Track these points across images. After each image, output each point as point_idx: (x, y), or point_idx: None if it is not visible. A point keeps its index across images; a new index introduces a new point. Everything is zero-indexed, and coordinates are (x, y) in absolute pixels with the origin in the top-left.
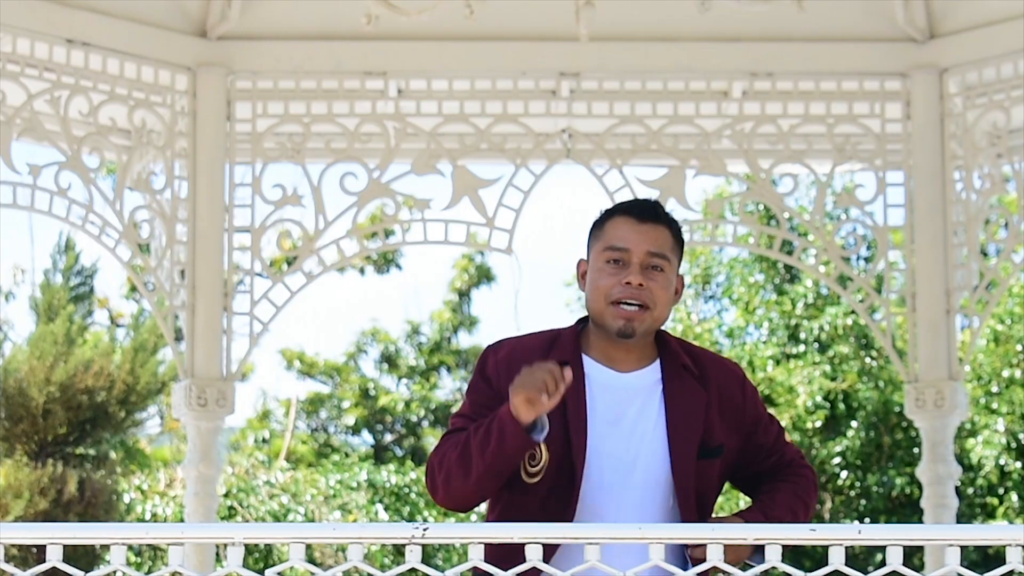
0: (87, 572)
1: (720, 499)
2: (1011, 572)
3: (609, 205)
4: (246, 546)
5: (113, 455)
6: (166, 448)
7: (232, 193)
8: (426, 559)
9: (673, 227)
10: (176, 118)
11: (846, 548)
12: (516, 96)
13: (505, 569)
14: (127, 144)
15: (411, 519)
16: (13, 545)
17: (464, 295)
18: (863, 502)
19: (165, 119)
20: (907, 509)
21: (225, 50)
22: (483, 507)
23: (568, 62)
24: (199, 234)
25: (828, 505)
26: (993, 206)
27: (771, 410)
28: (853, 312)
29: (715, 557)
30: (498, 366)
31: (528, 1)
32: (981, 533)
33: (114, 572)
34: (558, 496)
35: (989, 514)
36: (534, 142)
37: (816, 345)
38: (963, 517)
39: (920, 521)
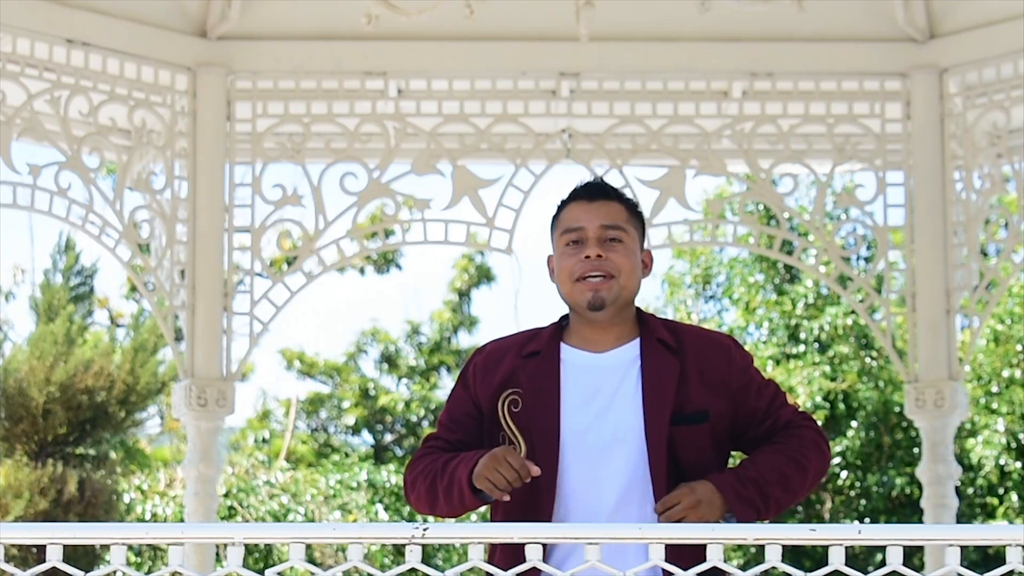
0: (87, 572)
1: None
2: (1011, 572)
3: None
4: (246, 546)
5: (113, 455)
6: (166, 448)
7: (232, 193)
8: (426, 559)
9: (625, 201)
10: (176, 118)
11: (846, 548)
12: (516, 96)
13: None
14: (127, 144)
15: (411, 519)
16: (13, 545)
17: (464, 295)
18: (863, 502)
19: (165, 119)
20: (907, 509)
21: (225, 50)
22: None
23: (568, 62)
24: (199, 234)
25: (828, 505)
26: (993, 206)
27: None
28: (853, 312)
29: (715, 557)
30: (475, 370)
31: (528, 1)
32: (981, 533)
33: (114, 572)
34: (542, 479)
35: (989, 514)
36: (534, 142)
37: (816, 345)
38: (963, 517)
39: (920, 521)
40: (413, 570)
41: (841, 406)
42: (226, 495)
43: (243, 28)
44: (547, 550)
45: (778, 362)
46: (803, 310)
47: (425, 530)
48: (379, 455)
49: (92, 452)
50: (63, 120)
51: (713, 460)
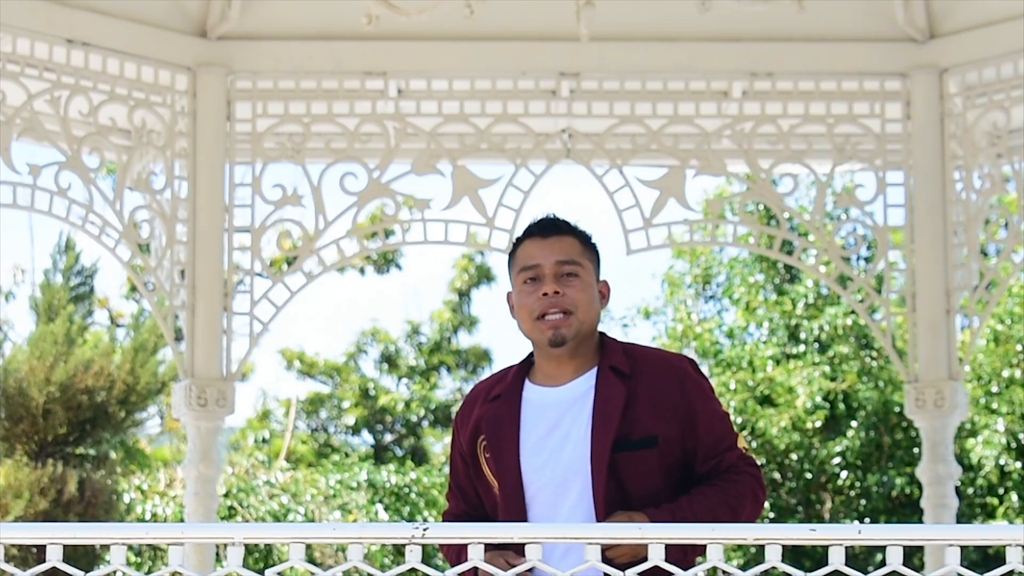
0: (87, 572)
1: None
2: (1011, 572)
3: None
4: (246, 546)
5: (113, 455)
6: (166, 448)
7: (232, 193)
8: (426, 559)
9: (579, 235)
10: (176, 118)
11: (846, 548)
12: (516, 96)
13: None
14: (127, 144)
15: (411, 519)
16: (13, 545)
17: (464, 295)
18: (863, 502)
19: (165, 119)
20: (907, 509)
21: (225, 50)
22: None
23: (568, 62)
24: (199, 234)
25: (828, 505)
26: (993, 206)
27: (771, 410)
28: (853, 312)
29: (715, 557)
30: (456, 424)
31: (528, 1)
32: (981, 533)
33: (114, 572)
34: (513, 516)
35: (989, 514)
36: (534, 142)
37: (816, 345)
38: (963, 517)
39: (920, 521)
40: (413, 570)
41: (841, 406)
42: (226, 495)
43: (243, 28)
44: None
45: (778, 362)
46: (803, 310)
47: (425, 530)
48: (379, 455)
49: (92, 452)
50: (63, 120)
51: (662, 488)
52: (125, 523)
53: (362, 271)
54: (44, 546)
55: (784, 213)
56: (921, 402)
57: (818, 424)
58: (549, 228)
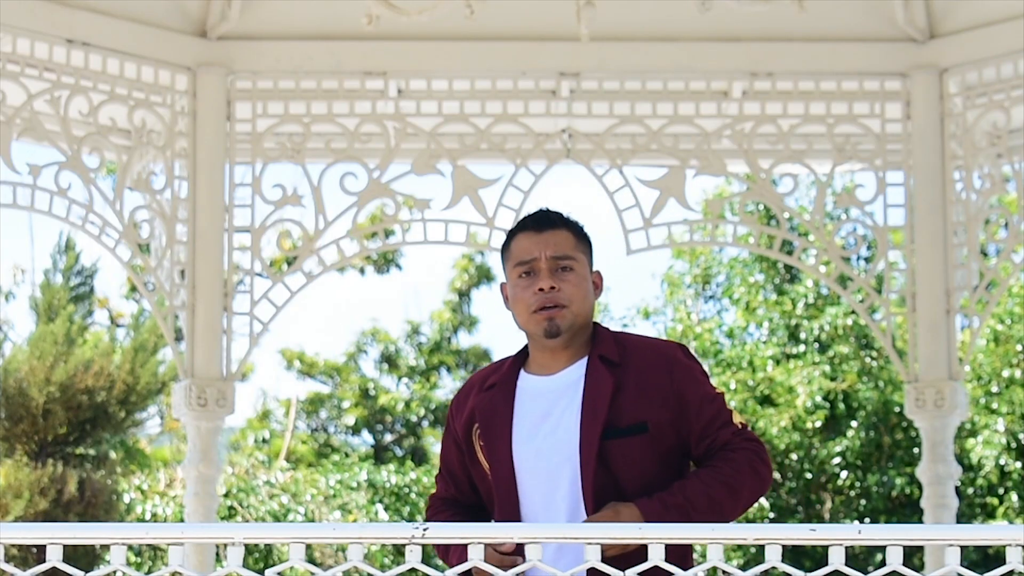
0: (87, 572)
1: None
2: (1011, 572)
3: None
4: (246, 546)
5: (113, 455)
6: (166, 448)
7: (232, 193)
8: (426, 559)
9: (572, 227)
10: (176, 118)
11: (846, 548)
12: (516, 96)
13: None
14: (127, 144)
15: (411, 519)
16: (13, 545)
17: (464, 295)
18: (863, 502)
19: (165, 119)
20: (907, 509)
21: (225, 50)
22: None
23: (568, 62)
24: (199, 234)
25: (828, 505)
26: (993, 206)
27: (771, 410)
28: (853, 312)
29: (715, 557)
30: (451, 412)
31: (528, 1)
32: (981, 533)
33: (114, 572)
34: (506, 503)
35: (989, 514)
36: (534, 142)
37: (816, 345)
38: (963, 517)
39: (920, 521)
40: (413, 570)
41: (841, 406)
42: (226, 495)
43: (243, 28)
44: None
45: (778, 362)
46: (803, 310)
47: (425, 530)
48: (379, 455)
49: (92, 452)
50: (63, 120)
51: (658, 475)
52: (125, 523)
53: (362, 271)
54: (44, 546)
55: (784, 213)
56: (921, 402)
57: (818, 424)
58: (543, 222)
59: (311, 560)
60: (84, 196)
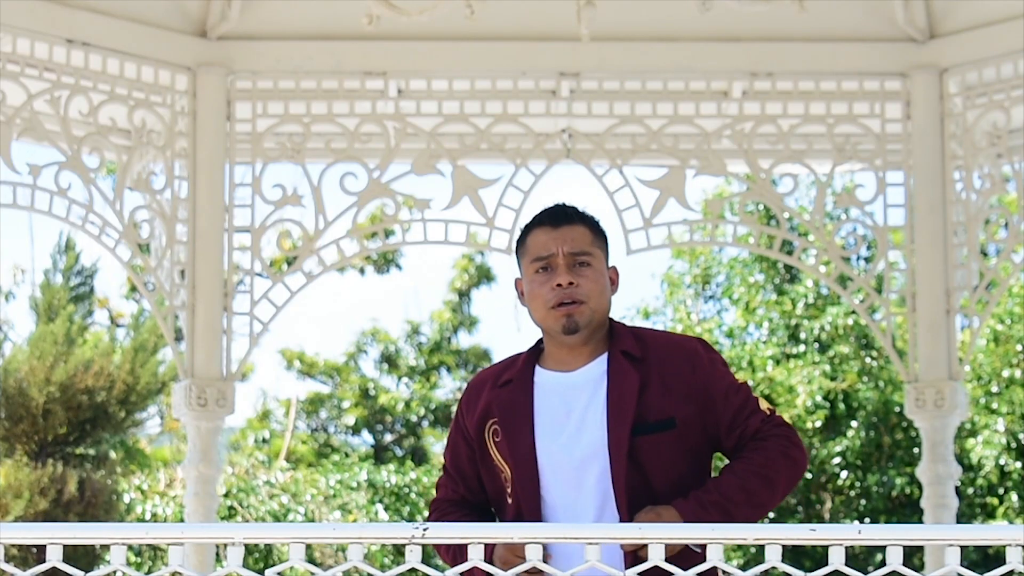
0: (87, 572)
1: None
2: (1011, 572)
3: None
4: (246, 546)
5: (113, 455)
6: (166, 448)
7: (232, 193)
8: (426, 559)
9: (589, 223)
10: (176, 118)
11: (846, 548)
12: (516, 96)
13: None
14: (127, 144)
15: (411, 519)
16: (13, 545)
17: (464, 295)
18: (863, 502)
19: (165, 119)
20: (907, 509)
21: (225, 50)
22: None
23: (568, 62)
24: (199, 234)
25: (828, 505)
26: (993, 206)
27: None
28: (853, 312)
29: (715, 557)
30: (461, 407)
31: (528, 1)
32: (981, 533)
33: (114, 572)
34: (525, 502)
35: (989, 514)
36: (534, 142)
37: (816, 345)
38: (963, 517)
39: (920, 521)
40: (413, 570)
41: (841, 406)
42: (226, 495)
43: (243, 28)
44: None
45: (778, 362)
46: (803, 310)
47: (425, 530)
48: (379, 455)
49: (92, 452)
50: (63, 120)
51: (688, 471)
52: (125, 523)
53: (362, 271)
54: (44, 546)
55: (784, 213)
56: (921, 402)
57: (818, 424)
58: (560, 217)
59: (311, 560)
60: (84, 196)
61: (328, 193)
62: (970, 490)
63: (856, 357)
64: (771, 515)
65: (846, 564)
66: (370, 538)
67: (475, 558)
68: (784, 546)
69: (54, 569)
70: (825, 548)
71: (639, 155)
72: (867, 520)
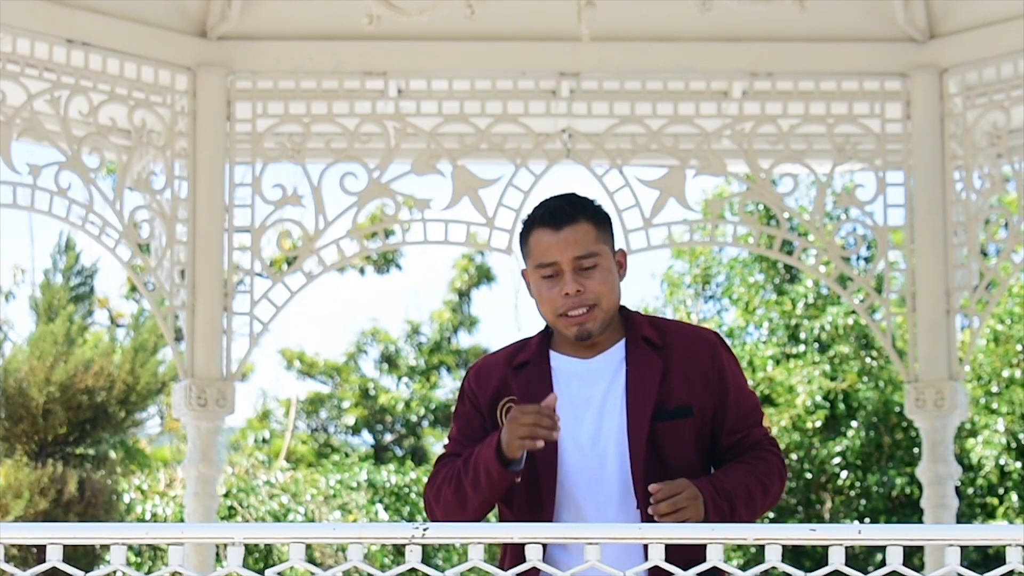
0: (87, 572)
1: None
2: (1011, 572)
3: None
4: (246, 546)
5: (113, 455)
6: (166, 448)
7: (232, 193)
8: (426, 559)
9: (592, 216)
10: (176, 118)
11: (846, 548)
12: (516, 96)
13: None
14: (127, 144)
15: (411, 519)
16: (13, 545)
17: (464, 295)
18: (863, 502)
19: (165, 119)
20: (907, 509)
21: (225, 50)
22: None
23: (568, 62)
24: (199, 234)
25: (828, 505)
26: (993, 206)
27: (771, 410)
28: (853, 312)
29: (715, 557)
30: (471, 385)
31: (528, 1)
32: (981, 533)
33: (114, 572)
34: (539, 487)
35: (989, 514)
36: (534, 142)
37: (816, 345)
38: (963, 517)
39: (920, 521)
40: (413, 570)
41: (841, 406)
42: (226, 495)
43: (243, 28)
44: (552, 553)
45: (778, 362)
46: (803, 310)
47: (425, 530)
48: (379, 455)
49: (92, 452)
50: (63, 120)
51: (696, 460)
52: (125, 523)
53: (362, 271)
54: (44, 546)
55: (784, 213)
56: (921, 402)
57: (818, 424)
58: (561, 217)
59: (311, 560)
60: (84, 196)
61: (328, 193)
62: (970, 490)
63: (856, 357)
64: (770, 515)
65: (846, 564)
66: (370, 538)
67: (475, 558)
68: (784, 546)
69: (54, 569)
70: (825, 548)
71: (639, 155)
72: (867, 520)
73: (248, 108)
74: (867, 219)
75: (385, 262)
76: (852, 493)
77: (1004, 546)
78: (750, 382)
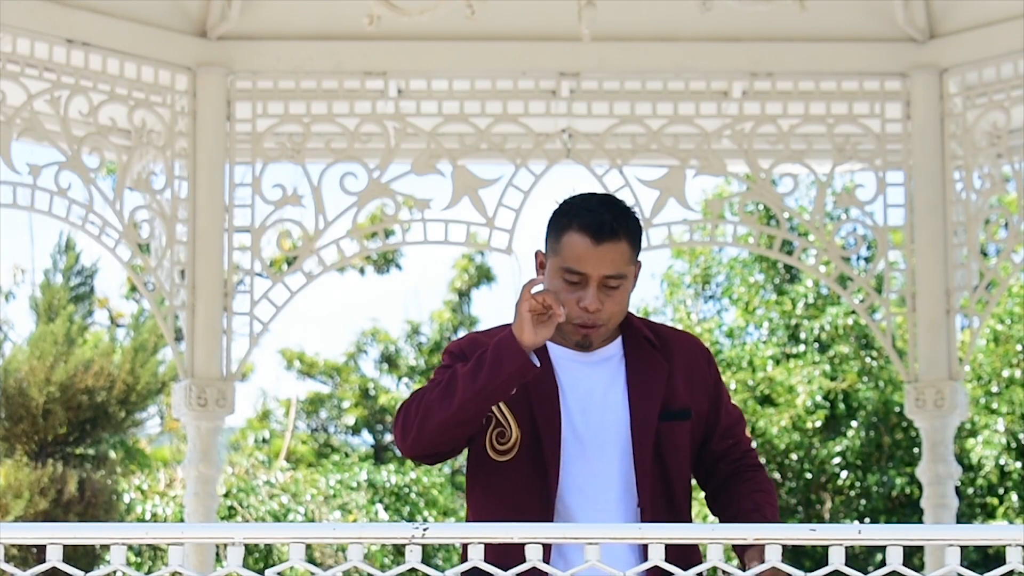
0: (87, 572)
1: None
2: (1011, 572)
3: (569, 199)
4: (246, 546)
5: (113, 455)
6: (166, 448)
7: (232, 193)
8: (426, 559)
9: (631, 234)
10: (176, 118)
11: (846, 548)
12: (516, 96)
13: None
14: (127, 144)
15: (411, 519)
16: (13, 545)
17: (464, 295)
18: (863, 502)
19: (165, 119)
20: (907, 509)
21: (225, 50)
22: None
23: (568, 62)
24: (199, 234)
25: (828, 505)
26: (993, 206)
27: (771, 410)
28: (853, 312)
29: (715, 557)
30: (461, 347)
31: (528, 1)
32: (981, 533)
33: (114, 572)
34: (538, 476)
35: (989, 514)
36: (534, 142)
37: (816, 345)
38: (963, 517)
39: (920, 521)
40: (413, 570)
41: (841, 406)
42: (226, 495)
43: (243, 28)
44: (551, 548)
45: (778, 362)
46: (803, 310)
47: (425, 530)
48: (379, 455)
49: (92, 452)
50: (63, 120)
51: (688, 462)
52: (125, 523)
53: (362, 271)
54: (44, 546)
55: (784, 213)
56: (921, 402)
57: (818, 424)
58: (604, 232)
59: (311, 560)
60: (84, 196)
61: (328, 193)
62: (970, 490)
63: (856, 357)
64: None
65: (846, 564)
66: (370, 538)
67: (475, 558)
68: (784, 546)
69: (54, 569)
70: (825, 548)
71: (639, 155)
72: (867, 520)
73: (248, 108)
74: (867, 219)
75: (385, 262)
76: (852, 493)
77: (1004, 546)
78: (750, 382)
